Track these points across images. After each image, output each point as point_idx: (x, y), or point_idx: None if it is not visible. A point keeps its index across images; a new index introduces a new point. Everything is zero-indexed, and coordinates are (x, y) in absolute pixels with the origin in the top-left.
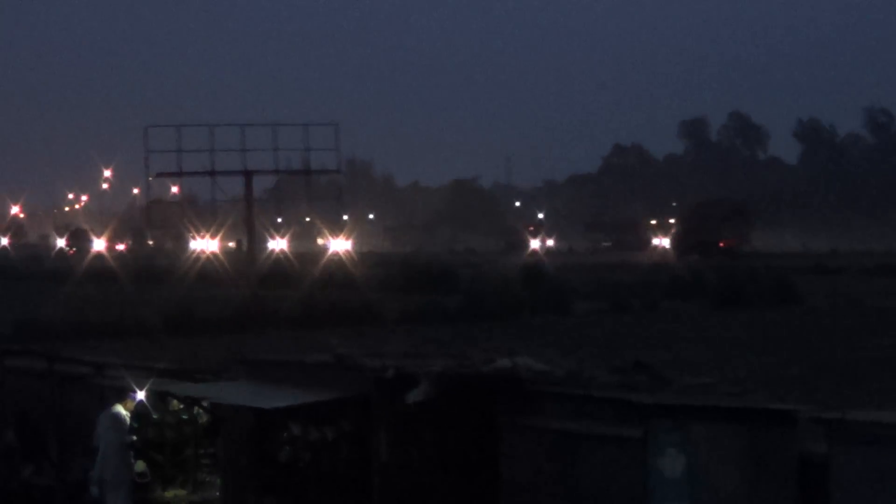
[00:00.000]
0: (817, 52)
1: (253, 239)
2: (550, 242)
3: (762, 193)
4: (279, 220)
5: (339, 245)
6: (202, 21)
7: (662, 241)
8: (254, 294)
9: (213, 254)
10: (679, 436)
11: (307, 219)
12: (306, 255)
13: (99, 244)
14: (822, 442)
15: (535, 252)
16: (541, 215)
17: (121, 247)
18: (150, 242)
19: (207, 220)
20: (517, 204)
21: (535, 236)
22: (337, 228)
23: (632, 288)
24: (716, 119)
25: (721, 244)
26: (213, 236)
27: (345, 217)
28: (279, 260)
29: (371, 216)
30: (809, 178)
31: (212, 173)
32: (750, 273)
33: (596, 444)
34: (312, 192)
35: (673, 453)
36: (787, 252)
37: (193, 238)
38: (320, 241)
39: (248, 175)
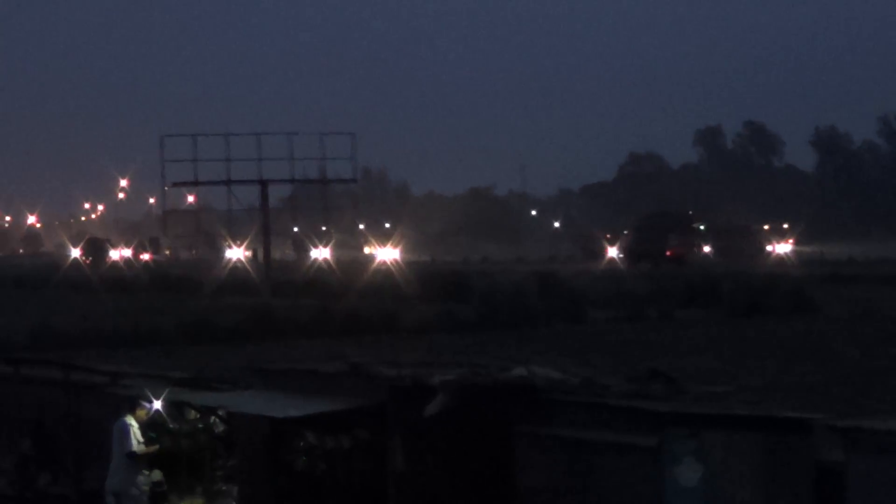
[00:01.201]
0: (832, 59)
1: (269, 247)
2: None
3: (778, 201)
4: (295, 228)
5: (386, 254)
6: (218, 30)
7: (777, 248)
8: (267, 303)
9: (239, 261)
10: (695, 444)
11: (323, 228)
12: (352, 263)
13: (123, 253)
14: (838, 450)
15: (613, 260)
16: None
17: (146, 256)
18: (167, 252)
19: (222, 229)
20: (533, 213)
21: (612, 244)
22: (353, 237)
23: (646, 296)
24: (731, 127)
25: (668, 253)
26: (239, 245)
27: (359, 224)
28: (322, 268)
29: (387, 225)
30: (825, 186)
31: (227, 182)
32: (765, 282)
33: (611, 453)
34: (328, 201)
35: (689, 462)
36: (804, 260)
37: (230, 247)
38: (367, 250)
39: (263, 184)
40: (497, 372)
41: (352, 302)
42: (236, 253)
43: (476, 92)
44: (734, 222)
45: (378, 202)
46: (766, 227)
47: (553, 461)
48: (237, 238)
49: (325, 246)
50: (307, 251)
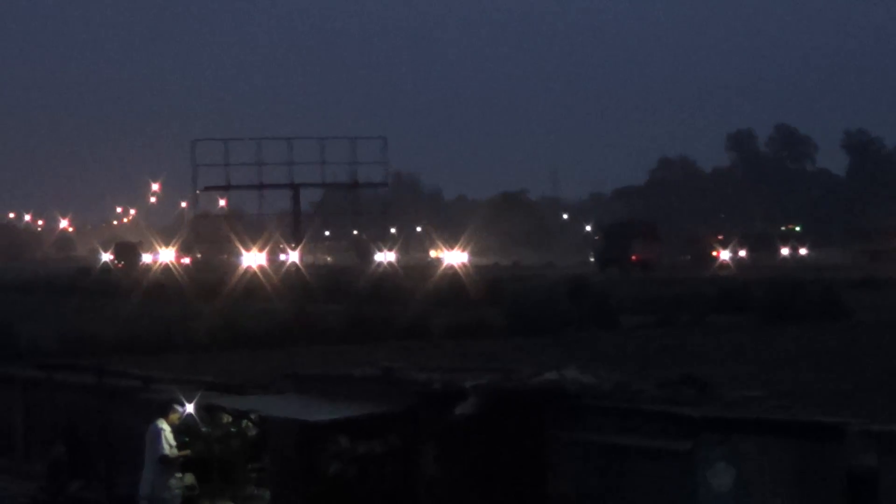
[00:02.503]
0: (865, 63)
1: (301, 251)
2: (742, 253)
3: (810, 205)
4: (326, 233)
5: (454, 257)
6: (249, 35)
7: None
8: (301, 308)
9: (294, 264)
10: (727, 450)
11: (354, 232)
12: (416, 267)
13: (168, 255)
14: (871, 455)
15: (725, 264)
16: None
17: (186, 260)
18: (199, 255)
19: (253, 233)
20: (564, 217)
21: (724, 246)
22: (382, 242)
23: (679, 301)
24: (762, 131)
25: (633, 258)
26: (293, 248)
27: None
28: (387, 273)
29: (419, 229)
30: (857, 190)
31: (259, 187)
32: (798, 287)
33: (644, 459)
34: (359, 205)
35: (721, 467)
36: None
37: (284, 251)
38: (433, 254)
39: (295, 188)
40: (529, 377)
41: (417, 308)
42: (292, 256)
43: (508, 96)
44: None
45: (409, 206)
46: None
47: (585, 467)
48: (254, 242)
49: (390, 250)
50: (371, 255)
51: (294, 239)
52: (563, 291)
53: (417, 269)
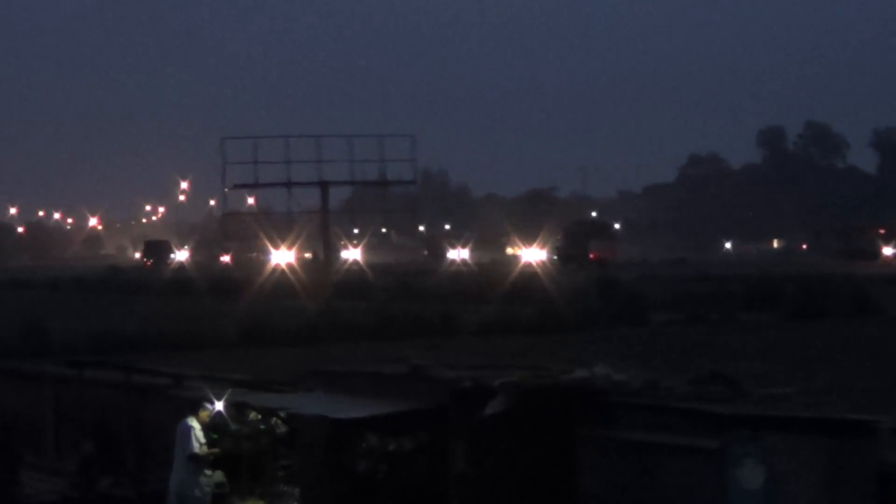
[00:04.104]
0: (894, 60)
1: (329, 249)
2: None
3: (840, 202)
4: (355, 230)
5: (532, 255)
6: (277, 34)
7: None
8: (328, 305)
9: (355, 262)
10: (757, 447)
11: (383, 230)
12: (491, 265)
13: (183, 254)
14: None
15: (887, 260)
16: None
17: (226, 258)
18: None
19: (282, 231)
20: (593, 214)
21: (888, 242)
22: (416, 240)
23: (708, 299)
24: (793, 128)
25: (591, 256)
26: (355, 246)
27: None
28: (460, 271)
29: (447, 227)
30: (886, 187)
31: (288, 184)
32: (827, 284)
33: (674, 455)
34: (388, 203)
35: (751, 464)
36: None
37: (345, 248)
38: (509, 251)
39: (324, 186)
40: (559, 374)
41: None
42: (353, 254)
43: (536, 94)
44: None
45: (437, 204)
46: None
47: (615, 464)
48: (283, 240)
49: (464, 247)
50: (443, 252)
51: (323, 237)
52: (592, 288)
53: (495, 267)
